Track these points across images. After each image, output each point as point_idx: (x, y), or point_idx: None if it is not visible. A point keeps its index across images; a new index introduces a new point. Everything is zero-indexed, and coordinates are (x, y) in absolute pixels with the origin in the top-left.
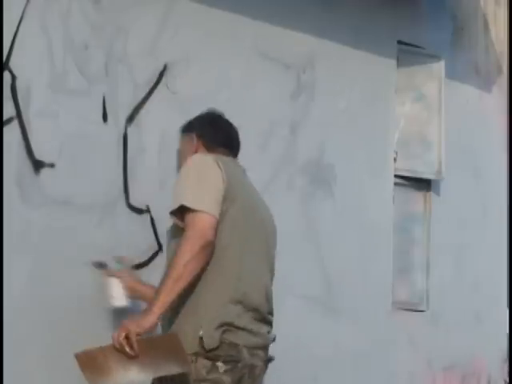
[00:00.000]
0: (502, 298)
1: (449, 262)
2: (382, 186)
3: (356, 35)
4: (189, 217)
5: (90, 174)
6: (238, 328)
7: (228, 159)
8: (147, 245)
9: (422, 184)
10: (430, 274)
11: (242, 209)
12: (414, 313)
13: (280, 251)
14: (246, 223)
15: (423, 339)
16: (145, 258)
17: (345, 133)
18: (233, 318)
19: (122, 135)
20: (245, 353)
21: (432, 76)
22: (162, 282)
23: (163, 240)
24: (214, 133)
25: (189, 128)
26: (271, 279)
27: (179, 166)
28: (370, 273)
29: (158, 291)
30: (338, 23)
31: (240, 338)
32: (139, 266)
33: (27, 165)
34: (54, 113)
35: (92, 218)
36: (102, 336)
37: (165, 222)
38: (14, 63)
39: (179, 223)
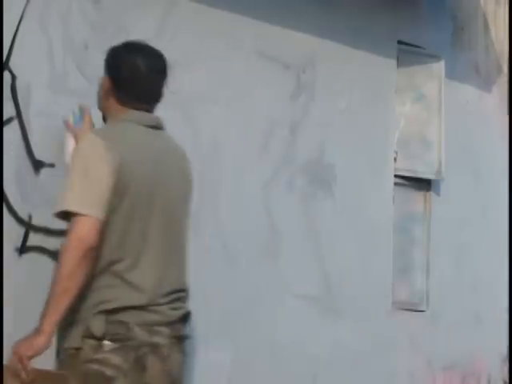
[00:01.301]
0: (502, 298)
1: (449, 261)
2: (382, 185)
3: (356, 35)
4: (71, 221)
5: None
6: (126, 308)
7: (130, 125)
8: None
9: (422, 184)
10: (429, 274)
11: (137, 198)
12: (414, 313)
13: (280, 251)
14: (141, 214)
15: (423, 339)
16: None
17: (345, 133)
18: (116, 300)
19: None
20: (137, 331)
21: (432, 76)
22: (49, 298)
23: None
24: (130, 86)
25: (105, 67)
26: (181, 258)
27: (99, 107)
28: (370, 273)
29: (46, 308)
30: (338, 23)
31: (129, 317)
32: None
33: (27, 165)
34: (53, 113)
35: None
36: None
37: None
38: (13, 63)
39: (67, 224)
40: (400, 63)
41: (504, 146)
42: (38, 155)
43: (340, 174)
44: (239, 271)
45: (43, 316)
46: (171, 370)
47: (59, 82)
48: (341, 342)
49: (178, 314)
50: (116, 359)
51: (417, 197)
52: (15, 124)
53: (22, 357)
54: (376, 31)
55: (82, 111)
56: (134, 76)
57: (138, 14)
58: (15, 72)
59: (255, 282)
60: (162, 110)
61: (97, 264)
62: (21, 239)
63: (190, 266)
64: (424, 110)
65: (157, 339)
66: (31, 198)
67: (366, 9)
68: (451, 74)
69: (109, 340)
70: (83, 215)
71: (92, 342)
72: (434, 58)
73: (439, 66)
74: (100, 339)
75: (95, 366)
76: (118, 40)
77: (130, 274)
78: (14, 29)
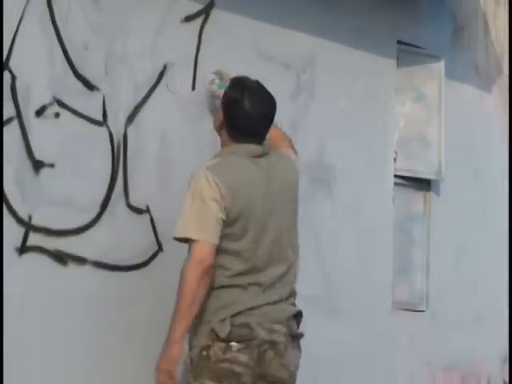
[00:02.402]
0: (502, 298)
1: (449, 262)
2: (382, 185)
3: (356, 35)
4: (191, 245)
5: (90, 174)
6: (247, 309)
7: (238, 158)
8: (147, 245)
9: (422, 184)
10: (429, 274)
11: (249, 220)
12: (413, 313)
13: None
14: (255, 231)
15: (423, 339)
16: (145, 257)
17: (345, 133)
18: (237, 304)
19: (121, 135)
20: (259, 330)
21: (432, 76)
22: (176, 312)
23: (163, 240)
24: (238, 125)
25: (223, 96)
26: (293, 255)
27: (214, 125)
28: (370, 273)
29: (174, 321)
30: (338, 23)
31: (251, 318)
32: (139, 266)
33: (27, 165)
34: (53, 113)
35: (92, 217)
36: (103, 336)
37: (165, 222)
38: (13, 63)
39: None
40: (400, 63)
41: (504, 146)
42: (38, 155)
43: (340, 174)
44: None
45: (173, 328)
46: (288, 364)
47: (59, 82)
48: (341, 342)
49: (292, 310)
50: (243, 357)
51: (417, 197)
52: (15, 124)
53: (170, 372)
54: (376, 31)
55: (222, 75)
56: (243, 119)
57: (137, 14)
58: (15, 72)
59: None
60: (162, 110)
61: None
62: (21, 239)
63: None
64: (424, 109)
65: (275, 337)
66: (31, 198)
67: (366, 9)
68: (451, 74)
69: (236, 341)
70: (200, 241)
71: (220, 344)
72: (434, 57)
73: (439, 66)
74: (227, 341)
75: (226, 365)
76: (118, 40)
77: (241, 280)
78: (14, 29)
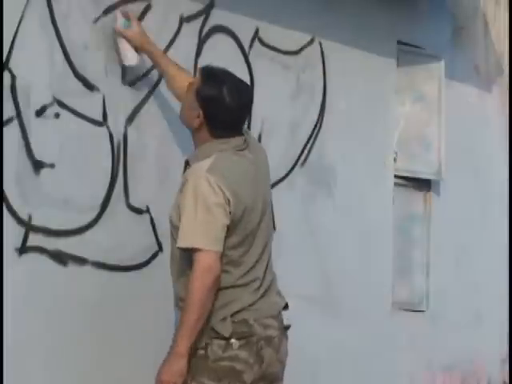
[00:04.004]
0: (502, 298)
1: (449, 262)
2: (382, 186)
3: (356, 35)
4: (196, 254)
5: (90, 174)
6: (245, 306)
7: (232, 157)
8: (147, 245)
9: (422, 184)
10: (430, 274)
11: (248, 220)
12: (413, 313)
13: (280, 251)
14: (251, 231)
15: (423, 339)
16: (145, 258)
17: (345, 133)
18: (236, 302)
19: (122, 135)
20: (256, 326)
21: (432, 76)
22: (183, 322)
23: (163, 240)
24: (222, 121)
25: (199, 94)
26: (270, 240)
27: (180, 116)
28: (370, 273)
29: (181, 331)
30: (338, 23)
31: (248, 314)
32: (139, 266)
33: (27, 165)
34: (53, 113)
35: (92, 218)
36: (103, 336)
37: (164, 222)
38: (13, 63)
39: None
40: (400, 63)
41: (504, 146)
42: (38, 155)
43: (340, 174)
44: None
45: (179, 339)
46: (282, 357)
47: (59, 81)
48: (341, 342)
49: (282, 302)
50: (244, 354)
51: (417, 197)
52: (15, 124)
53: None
54: (376, 31)
55: (128, 16)
56: (227, 115)
57: (137, 13)
58: (15, 72)
59: None
60: (162, 110)
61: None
62: (21, 239)
63: None
64: (424, 110)
65: (270, 332)
66: (31, 198)
67: (366, 9)
68: (451, 74)
69: (236, 338)
70: (208, 250)
71: (220, 341)
72: (434, 58)
73: (439, 66)
74: (228, 339)
75: (226, 363)
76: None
77: (243, 279)
78: (14, 29)
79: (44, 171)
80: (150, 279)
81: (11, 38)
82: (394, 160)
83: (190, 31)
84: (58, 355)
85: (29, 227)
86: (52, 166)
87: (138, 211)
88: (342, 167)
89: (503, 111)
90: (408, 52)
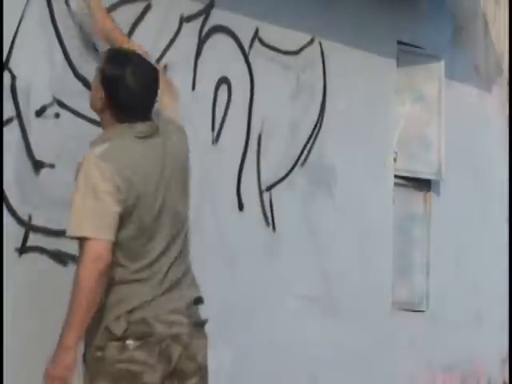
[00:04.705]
0: (502, 298)
1: (449, 262)
2: (382, 186)
3: (356, 35)
4: (85, 243)
5: None
6: (142, 303)
7: (129, 144)
8: None
9: (422, 184)
10: (430, 274)
11: (144, 209)
12: (413, 313)
13: (280, 251)
14: (150, 218)
15: (423, 339)
16: None
17: (345, 133)
18: (132, 298)
19: None
20: (157, 325)
21: (432, 76)
22: (70, 314)
23: None
24: (123, 103)
25: (102, 74)
26: (184, 230)
27: (91, 103)
28: (370, 273)
29: (68, 324)
30: (338, 23)
31: (147, 312)
32: None
33: (27, 165)
34: (53, 113)
35: None
36: None
37: None
38: (13, 63)
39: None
40: (400, 63)
41: (504, 146)
42: (38, 155)
43: (340, 174)
44: (239, 271)
45: (67, 332)
46: (194, 355)
47: (59, 81)
48: (341, 342)
49: (192, 295)
50: (141, 355)
51: (417, 197)
52: (15, 124)
53: (64, 379)
54: (376, 31)
55: None
56: (128, 97)
57: (137, 13)
58: (15, 72)
59: (255, 281)
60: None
61: (116, 272)
62: (21, 239)
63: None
64: (424, 110)
65: (175, 330)
66: (31, 198)
67: (366, 9)
68: (451, 74)
69: (132, 339)
70: (97, 239)
71: (116, 343)
72: (434, 58)
73: (439, 66)
74: (123, 339)
75: (123, 365)
76: None
77: (142, 273)
78: (14, 29)
79: (44, 171)
80: None
81: (11, 38)
82: (394, 160)
83: (190, 31)
84: None
85: (29, 227)
86: (52, 166)
87: None
88: (342, 167)
89: (503, 111)
90: (408, 52)
